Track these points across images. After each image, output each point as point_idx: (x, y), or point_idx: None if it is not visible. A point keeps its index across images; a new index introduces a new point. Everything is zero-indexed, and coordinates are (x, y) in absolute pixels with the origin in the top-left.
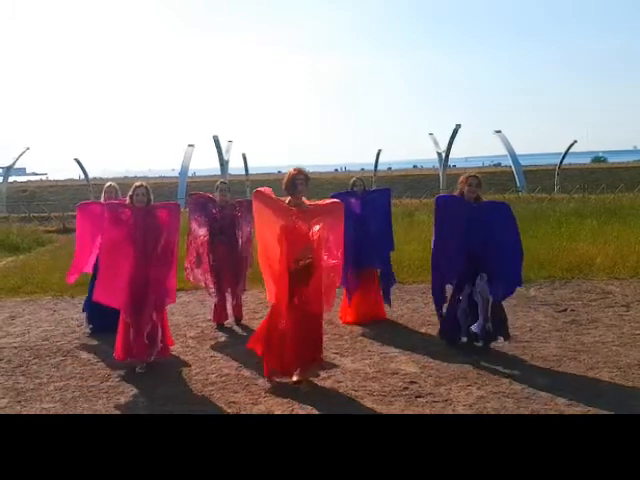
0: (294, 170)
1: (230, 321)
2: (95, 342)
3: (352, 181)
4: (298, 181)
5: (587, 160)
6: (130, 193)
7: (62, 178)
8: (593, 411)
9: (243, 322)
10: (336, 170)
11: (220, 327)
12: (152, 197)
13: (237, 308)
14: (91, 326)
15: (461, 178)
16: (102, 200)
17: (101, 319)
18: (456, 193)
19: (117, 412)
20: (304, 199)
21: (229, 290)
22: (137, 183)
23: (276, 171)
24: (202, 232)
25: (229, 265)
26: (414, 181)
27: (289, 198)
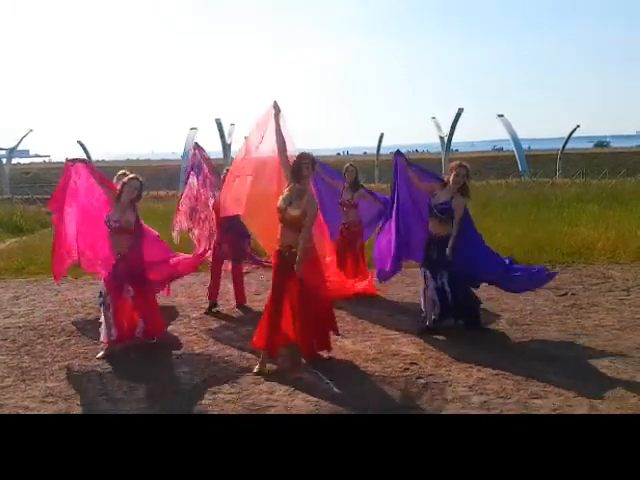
0: (299, 154)
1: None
2: (99, 322)
3: (345, 167)
4: (304, 165)
5: (590, 145)
6: (124, 180)
7: (64, 160)
8: (592, 393)
9: (246, 304)
10: (338, 154)
11: (213, 305)
12: (142, 194)
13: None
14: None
15: (452, 164)
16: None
17: None
18: (445, 180)
19: (121, 392)
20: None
21: (228, 269)
22: (132, 175)
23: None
24: (203, 190)
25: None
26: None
27: (290, 186)
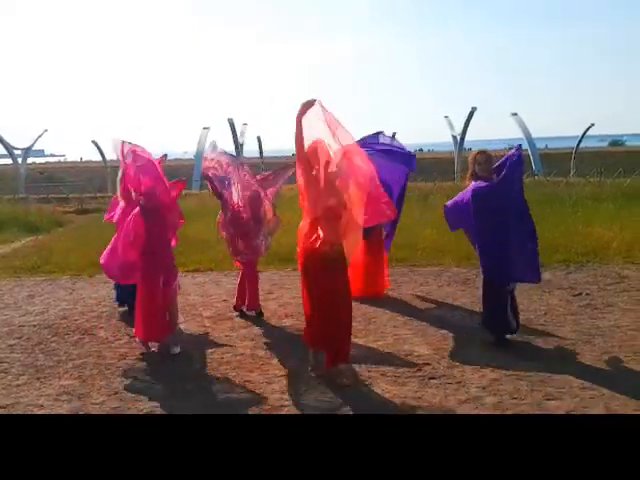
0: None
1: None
2: (113, 321)
3: None
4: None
5: (604, 144)
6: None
7: (78, 159)
8: (607, 395)
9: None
10: None
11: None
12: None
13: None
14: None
15: (470, 156)
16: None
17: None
18: (468, 174)
19: (134, 391)
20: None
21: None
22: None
23: (290, 154)
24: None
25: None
26: (428, 164)
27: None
